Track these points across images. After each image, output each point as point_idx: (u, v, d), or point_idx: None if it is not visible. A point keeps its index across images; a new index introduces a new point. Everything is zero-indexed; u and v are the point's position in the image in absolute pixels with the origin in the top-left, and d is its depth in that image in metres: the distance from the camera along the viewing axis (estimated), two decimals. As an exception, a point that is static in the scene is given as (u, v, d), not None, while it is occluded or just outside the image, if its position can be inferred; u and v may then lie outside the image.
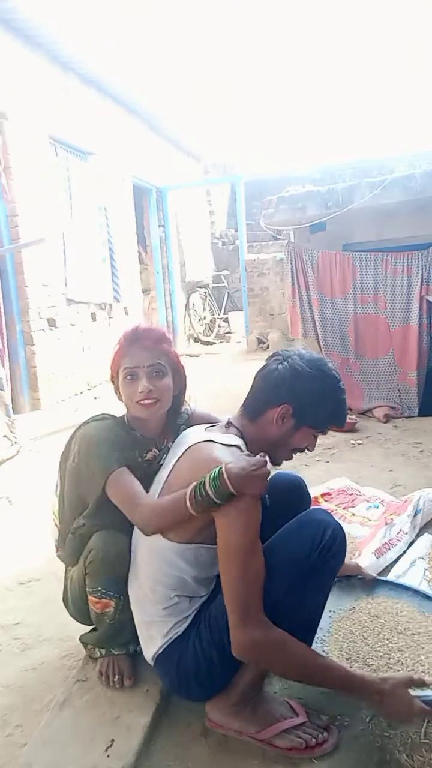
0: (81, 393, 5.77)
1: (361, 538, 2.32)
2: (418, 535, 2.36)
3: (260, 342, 8.51)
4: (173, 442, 1.58)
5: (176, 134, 8.82)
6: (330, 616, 1.72)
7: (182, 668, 1.39)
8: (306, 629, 1.37)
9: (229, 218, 12.17)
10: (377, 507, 2.57)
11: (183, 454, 1.45)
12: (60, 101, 5.62)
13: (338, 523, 1.41)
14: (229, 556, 1.29)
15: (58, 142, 5.57)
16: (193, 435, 1.51)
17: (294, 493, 1.66)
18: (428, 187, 3.96)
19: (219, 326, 10.52)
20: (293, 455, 1.56)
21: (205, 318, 10.30)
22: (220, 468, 1.29)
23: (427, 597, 1.75)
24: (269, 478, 1.59)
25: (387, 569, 2.14)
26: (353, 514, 2.55)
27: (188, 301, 9.71)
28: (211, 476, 1.29)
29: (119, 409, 1.63)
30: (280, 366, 1.49)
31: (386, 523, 2.36)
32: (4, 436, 3.98)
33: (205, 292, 10.35)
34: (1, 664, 1.78)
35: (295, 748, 1.35)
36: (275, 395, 1.46)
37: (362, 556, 2.14)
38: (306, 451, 1.55)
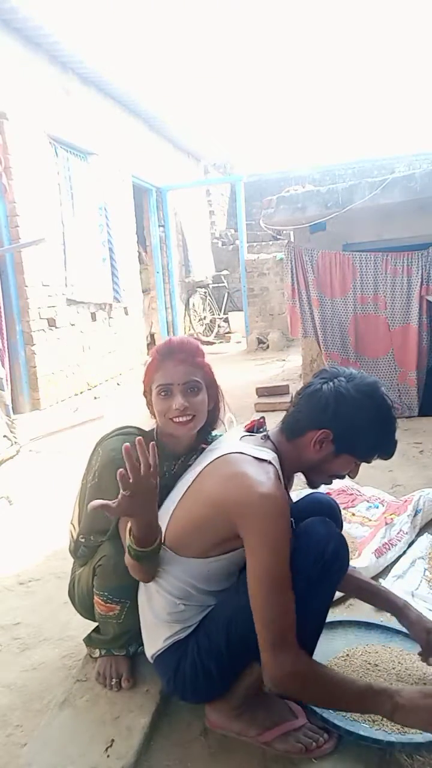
0: (81, 393, 5.77)
1: (361, 538, 2.32)
2: (418, 535, 2.36)
3: (260, 342, 8.52)
4: (198, 456, 1.53)
5: (176, 134, 8.82)
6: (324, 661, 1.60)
7: (180, 673, 1.39)
8: (307, 643, 1.34)
9: (229, 218, 12.18)
10: (377, 507, 2.57)
11: (211, 462, 1.40)
12: (60, 101, 5.62)
13: (340, 536, 1.37)
14: (257, 579, 1.24)
15: (58, 142, 5.57)
16: (225, 444, 1.46)
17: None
18: (428, 187, 3.96)
19: (219, 326, 10.52)
20: (332, 481, 1.48)
21: (205, 318, 10.31)
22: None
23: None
24: (303, 497, 1.55)
25: (387, 569, 2.14)
26: (353, 514, 2.55)
27: (188, 301, 9.72)
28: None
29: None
30: (325, 386, 1.38)
31: (386, 523, 2.36)
32: (4, 436, 3.98)
33: (205, 292, 10.36)
34: (1, 664, 1.78)
35: (295, 752, 1.35)
36: (316, 418, 1.36)
37: (362, 556, 2.14)
38: (348, 477, 1.46)
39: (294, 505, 1.53)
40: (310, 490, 1.61)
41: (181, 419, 1.46)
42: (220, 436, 1.60)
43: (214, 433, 1.62)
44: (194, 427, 1.49)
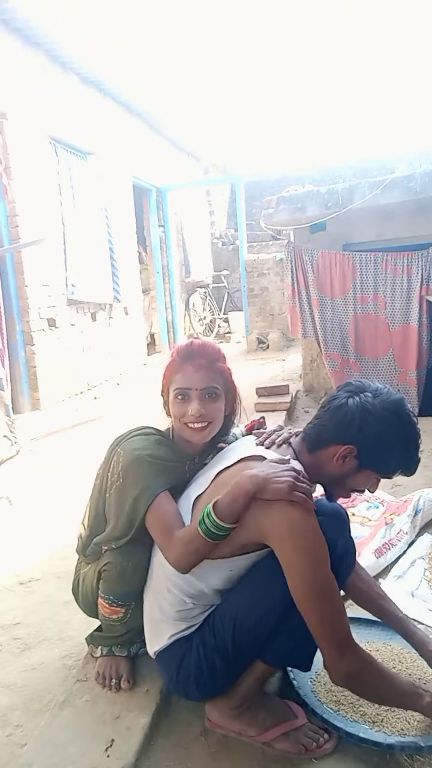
0: (81, 393, 5.77)
1: (361, 538, 2.32)
2: (418, 535, 2.36)
3: (260, 342, 8.52)
4: (214, 455, 1.52)
5: (176, 134, 8.82)
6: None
7: (184, 670, 1.39)
8: (308, 646, 1.34)
9: (229, 218, 12.19)
10: (377, 507, 2.57)
11: (233, 465, 1.38)
12: (60, 101, 5.62)
13: (348, 536, 1.39)
14: (303, 586, 1.23)
15: (58, 142, 5.57)
16: (246, 446, 1.45)
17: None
18: (428, 187, 3.96)
19: (219, 326, 10.52)
20: (351, 494, 1.47)
21: (205, 318, 10.31)
22: (208, 507, 1.27)
23: None
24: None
25: (387, 569, 2.14)
26: (353, 514, 2.55)
27: (188, 301, 9.72)
28: (202, 514, 1.27)
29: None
30: (350, 401, 1.35)
31: (386, 523, 2.36)
32: (4, 436, 3.98)
33: (205, 292, 10.36)
34: (1, 664, 1.78)
35: (295, 752, 1.35)
36: (341, 433, 1.35)
37: (362, 556, 2.14)
38: (367, 492, 1.45)
39: None
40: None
41: (196, 425, 1.45)
42: (235, 437, 1.60)
43: (232, 431, 1.61)
44: (210, 434, 1.48)
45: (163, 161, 8.68)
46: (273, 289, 8.80)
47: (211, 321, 10.45)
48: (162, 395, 1.55)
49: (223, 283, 10.83)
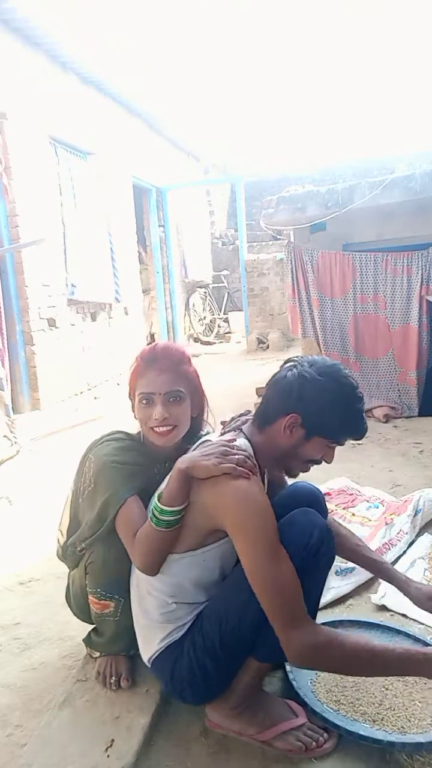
0: (81, 393, 5.77)
1: (361, 538, 2.32)
2: (418, 535, 2.36)
3: (260, 342, 8.52)
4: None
5: (176, 134, 8.82)
6: None
7: (177, 674, 1.39)
8: None
9: (229, 218, 12.19)
10: (377, 507, 2.57)
11: None
12: (60, 101, 5.62)
13: (324, 522, 1.38)
14: (252, 562, 1.25)
15: (58, 142, 5.57)
16: (205, 442, 1.46)
17: (310, 506, 1.51)
18: (428, 187, 3.96)
19: (219, 326, 10.53)
20: (309, 467, 1.49)
21: (205, 318, 10.31)
22: (154, 500, 1.32)
23: (417, 639, 1.68)
24: (285, 489, 1.55)
25: (387, 569, 2.14)
26: (353, 514, 2.54)
27: (188, 301, 9.72)
28: (150, 508, 1.33)
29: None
30: (288, 373, 1.41)
31: (386, 523, 2.36)
32: (4, 436, 3.98)
33: (205, 292, 10.36)
34: (1, 664, 1.78)
35: (295, 751, 1.35)
36: (284, 404, 1.39)
37: (362, 556, 2.14)
38: (324, 462, 1.47)
39: (277, 499, 1.52)
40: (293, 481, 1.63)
41: (161, 429, 1.46)
42: (205, 436, 1.60)
43: (202, 433, 1.62)
44: (176, 437, 1.49)
45: (163, 161, 8.68)
46: (273, 289, 8.80)
47: (211, 321, 10.45)
48: (129, 398, 1.56)
49: (223, 283, 10.83)
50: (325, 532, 1.35)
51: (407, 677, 1.52)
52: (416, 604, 1.57)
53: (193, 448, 1.49)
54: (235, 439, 1.38)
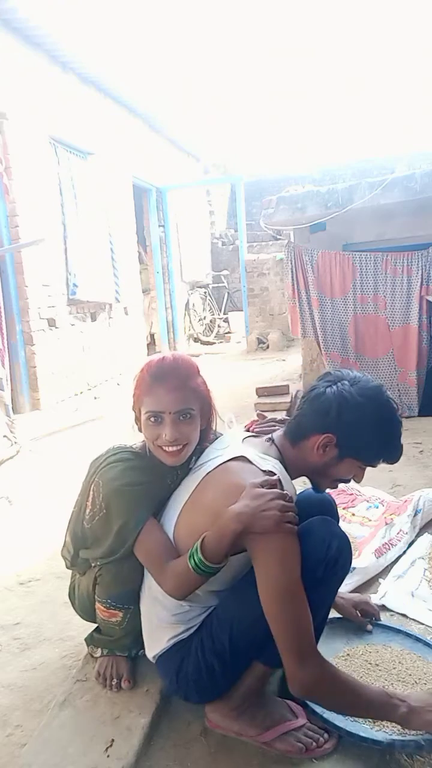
0: (81, 393, 5.77)
1: (361, 538, 2.32)
2: (418, 535, 2.36)
3: (260, 342, 8.52)
4: (198, 458, 1.50)
5: (176, 134, 8.82)
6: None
7: (183, 673, 1.39)
8: None
9: (229, 218, 12.18)
10: (377, 507, 2.57)
11: (214, 470, 1.38)
12: (60, 101, 5.62)
13: (343, 532, 1.37)
14: (272, 596, 1.23)
15: (58, 142, 5.57)
16: (227, 446, 1.43)
17: (323, 513, 1.49)
18: (428, 187, 3.96)
19: (219, 326, 10.53)
20: (337, 485, 1.47)
21: (205, 318, 10.31)
22: (196, 545, 1.26)
23: (418, 639, 1.68)
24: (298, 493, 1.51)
25: (387, 569, 2.14)
26: (353, 514, 2.55)
27: (188, 301, 9.72)
28: (191, 551, 1.27)
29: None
30: (328, 390, 1.36)
31: (386, 523, 2.36)
32: (4, 436, 3.98)
33: (205, 292, 10.36)
34: (1, 664, 1.78)
35: (295, 752, 1.35)
36: (319, 422, 1.35)
37: (362, 556, 2.14)
38: (353, 481, 1.45)
39: None
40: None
41: (170, 449, 1.40)
42: (222, 436, 1.58)
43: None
44: (186, 455, 1.44)
45: (163, 161, 8.68)
46: (273, 289, 8.80)
47: (211, 321, 10.45)
48: (133, 410, 1.49)
49: (223, 283, 10.83)
50: (344, 543, 1.34)
51: (406, 680, 1.53)
52: (342, 614, 1.69)
53: (208, 451, 1.48)
54: (278, 478, 1.32)
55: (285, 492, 1.28)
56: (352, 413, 1.32)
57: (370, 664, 1.59)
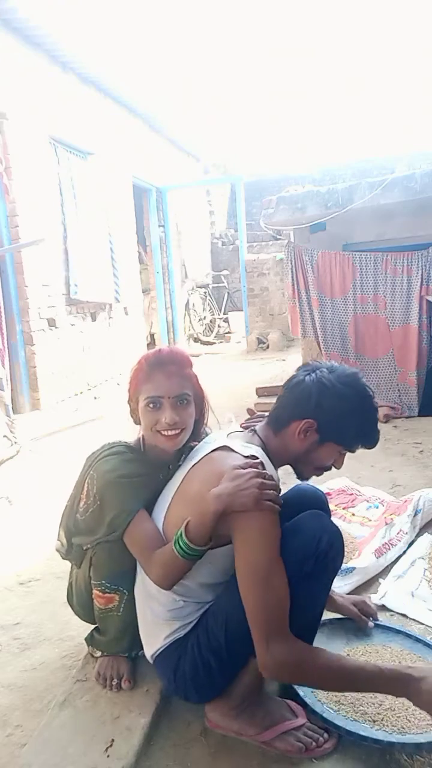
0: (81, 393, 5.77)
1: (361, 538, 2.32)
2: (418, 535, 2.36)
3: (260, 342, 8.52)
4: (187, 455, 1.53)
5: (176, 134, 8.82)
6: None
7: (180, 671, 1.39)
8: (304, 636, 1.34)
9: (229, 218, 12.18)
10: (377, 507, 2.57)
11: (198, 461, 1.41)
12: (60, 101, 5.62)
13: (335, 526, 1.37)
14: (248, 575, 1.25)
15: (58, 142, 5.57)
16: (214, 441, 1.46)
17: (313, 508, 1.51)
18: (428, 187, 3.96)
19: (219, 326, 10.53)
20: (320, 473, 1.49)
21: (205, 318, 10.31)
22: (180, 530, 1.29)
23: (418, 640, 1.68)
24: (289, 489, 1.55)
25: (387, 569, 2.14)
26: (353, 514, 2.55)
27: (188, 301, 9.72)
28: (176, 536, 1.29)
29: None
30: (307, 378, 1.42)
31: (386, 523, 2.36)
32: (4, 436, 3.98)
33: (205, 292, 10.36)
34: (1, 664, 1.78)
35: (294, 752, 1.35)
36: (300, 409, 1.40)
37: (362, 556, 2.14)
38: (333, 468, 1.48)
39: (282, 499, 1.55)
40: (297, 482, 1.64)
41: (169, 433, 1.45)
42: (210, 434, 1.60)
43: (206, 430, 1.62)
44: (182, 441, 1.49)
45: (163, 161, 8.68)
46: (273, 289, 8.80)
47: (211, 321, 10.45)
48: (129, 403, 1.54)
49: (223, 283, 10.83)
50: (334, 537, 1.35)
51: None
52: (342, 613, 1.70)
53: (197, 448, 1.50)
54: (260, 461, 1.35)
55: (265, 471, 1.30)
56: (331, 398, 1.38)
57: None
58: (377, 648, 1.66)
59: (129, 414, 1.56)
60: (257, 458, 1.36)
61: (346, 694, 1.48)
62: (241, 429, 1.54)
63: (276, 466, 1.47)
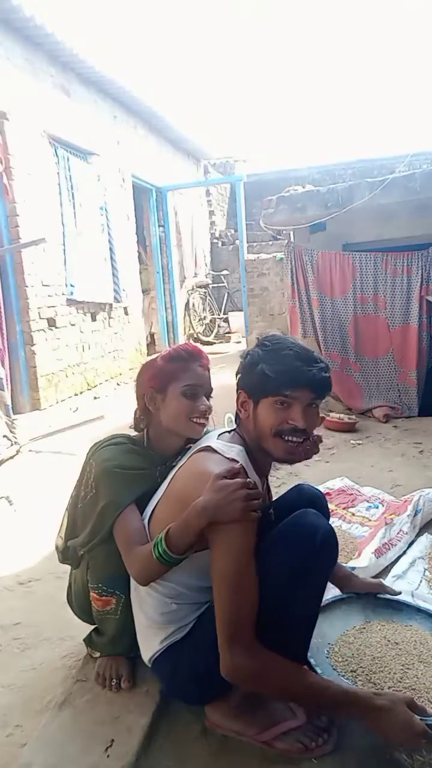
0: (81, 393, 5.77)
1: (361, 538, 2.32)
2: (418, 535, 2.36)
3: (260, 342, 8.51)
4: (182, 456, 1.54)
5: (176, 134, 8.82)
6: (339, 632, 1.63)
7: (179, 674, 1.39)
8: (298, 640, 1.35)
9: (229, 218, 12.17)
10: (377, 507, 2.57)
11: (185, 463, 1.43)
12: (60, 101, 5.62)
13: (329, 525, 1.37)
14: (219, 580, 1.25)
15: (58, 142, 5.57)
16: (202, 442, 1.47)
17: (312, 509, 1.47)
18: (428, 187, 3.96)
19: (219, 326, 10.53)
20: (291, 446, 1.37)
21: (205, 318, 10.31)
22: (161, 535, 1.30)
23: None
24: (289, 490, 1.55)
25: (387, 569, 2.14)
26: (353, 514, 2.55)
27: (188, 301, 9.71)
28: (156, 541, 1.30)
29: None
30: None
31: (386, 523, 2.36)
32: (4, 436, 3.98)
33: (205, 292, 10.36)
34: (1, 664, 1.78)
35: (295, 752, 1.34)
36: (238, 391, 1.46)
37: (362, 556, 2.14)
38: (296, 429, 1.35)
39: (280, 499, 1.59)
40: (297, 482, 1.65)
41: (201, 420, 1.52)
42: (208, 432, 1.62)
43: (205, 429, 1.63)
44: (205, 429, 1.55)
45: (163, 161, 8.68)
46: (273, 289, 8.79)
47: (211, 321, 10.44)
48: (143, 398, 1.56)
49: (223, 283, 10.82)
50: (328, 535, 1.34)
51: (429, 661, 1.51)
52: (357, 589, 1.73)
53: (195, 446, 1.50)
54: (241, 465, 1.33)
55: (248, 480, 1.29)
56: (247, 360, 1.43)
57: (389, 641, 1.58)
58: (396, 626, 1.65)
59: (134, 412, 1.59)
60: (237, 462, 1.34)
61: (363, 665, 1.49)
62: (228, 430, 1.54)
63: (259, 460, 1.44)
